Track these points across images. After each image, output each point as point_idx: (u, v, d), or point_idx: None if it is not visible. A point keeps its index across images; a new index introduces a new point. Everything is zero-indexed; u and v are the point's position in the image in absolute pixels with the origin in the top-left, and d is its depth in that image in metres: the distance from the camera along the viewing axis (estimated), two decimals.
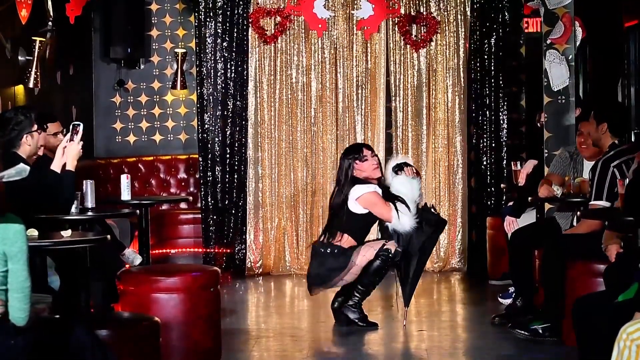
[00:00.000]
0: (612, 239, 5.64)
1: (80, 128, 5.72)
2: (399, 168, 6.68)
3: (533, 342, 5.95)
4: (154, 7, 10.22)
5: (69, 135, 5.73)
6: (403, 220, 6.53)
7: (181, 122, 10.31)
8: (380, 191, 6.64)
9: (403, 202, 6.55)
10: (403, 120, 9.19)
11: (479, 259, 8.79)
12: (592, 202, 5.94)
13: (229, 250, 9.08)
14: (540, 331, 5.97)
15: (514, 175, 7.67)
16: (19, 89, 7.55)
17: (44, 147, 6.29)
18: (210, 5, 9.05)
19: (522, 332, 6.01)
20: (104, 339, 4.20)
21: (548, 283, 6.01)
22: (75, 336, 3.92)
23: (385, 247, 6.50)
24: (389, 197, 6.61)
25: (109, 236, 5.32)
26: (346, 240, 6.63)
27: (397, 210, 6.53)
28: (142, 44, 9.99)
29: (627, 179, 5.34)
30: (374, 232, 7.27)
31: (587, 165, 6.64)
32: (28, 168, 3.79)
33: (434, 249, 8.93)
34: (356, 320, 6.58)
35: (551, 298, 5.99)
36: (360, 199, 6.59)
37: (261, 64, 9.12)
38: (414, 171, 6.71)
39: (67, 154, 5.68)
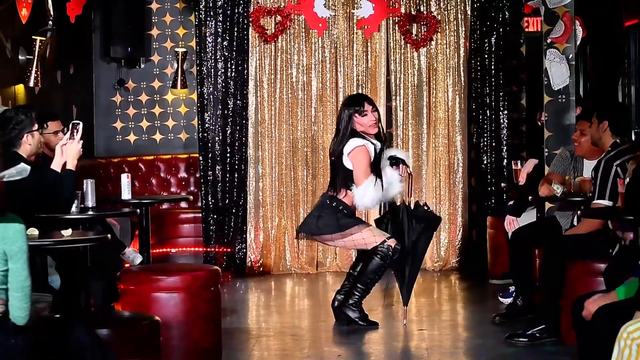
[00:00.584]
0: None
1: (80, 127, 5.71)
2: (396, 162, 6.65)
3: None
4: (154, 6, 10.22)
5: (68, 134, 5.72)
6: (368, 194, 6.47)
7: (181, 121, 10.31)
8: (372, 149, 6.56)
9: (381, 181, 6.51)
10: (403, 120, 9.19)
11: (480, 258, 8.77)
12: (594, 202, 5.93)
13: (229, 250, 9.07)
14: (538, 335, 5.96)
15: (514, 175, 7.66)
16: (19, 88, 7.55)
17: (45, 147, 6.30)
18: (211, 4, 9.05)
19: (520, 339, 5.99)
20: (104, 339, 4.20)
21: (547, 283, 6.00)
22: (75, 336, 3.92)
23: (385, 243, 6.49)
24: (375, 169, 6.55)
25: (109, 235, 5.32)
26: (350, 197, 6.58)
27: (374, 182, 6.46)
28: (142, 43, 9.99)
29: (627, 178, 5.34)
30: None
31: (588, 164, 6.64)
32: (29, 168, 3.78)
33: (433, 248, 8.98)
34: (357, 320, 6.57)
35: (550, 298, 5.98)
36: (351, 154, 6.54)
37: (261, 63, 9.12)
38: (407, 173, 6.68)
39: (67, 153, 5.67)
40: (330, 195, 6.66)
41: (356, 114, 6.61)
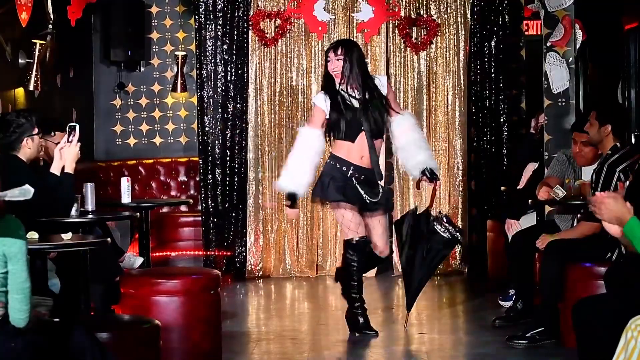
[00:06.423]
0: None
1: (77, 129, 5.68)
2: (429, 177, 6.36)
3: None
4: (154, 9, 10.22)
5: (65, 137, 5.70)
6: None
7: (181, 124, 10.31)
8: (321, 102, 6.38)
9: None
10: None
11: (480, 261, 8.78)
12: None
13: (229, 253, 9.07)
14: (537, 337, 5.97)
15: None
16: (19, 91, 7.55)
17: (44, 154, 6.27)
18: (211, 7, 9.06)
19: (520, 341, 5.99)
20: (104, 342, 4.20)
21: (546, 285, 6.01)
22: (75, 338, 3.92)
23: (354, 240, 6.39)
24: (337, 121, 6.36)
25: (109, 239, 5.32)
26: (337, 146, 6.42)
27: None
28: (142, 46, 9.99)
29: (628, 181, 5.33)
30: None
31: (586, 167, 6.63)
32: (32, 190, 3.75)
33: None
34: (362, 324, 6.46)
35: (549, 300, 5.98)
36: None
37: (261, 67, 9.12)
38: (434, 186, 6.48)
39: (65, 156, 5.64)
40: (330, 155, 6.51)
41: (327, 62, 6.48)
